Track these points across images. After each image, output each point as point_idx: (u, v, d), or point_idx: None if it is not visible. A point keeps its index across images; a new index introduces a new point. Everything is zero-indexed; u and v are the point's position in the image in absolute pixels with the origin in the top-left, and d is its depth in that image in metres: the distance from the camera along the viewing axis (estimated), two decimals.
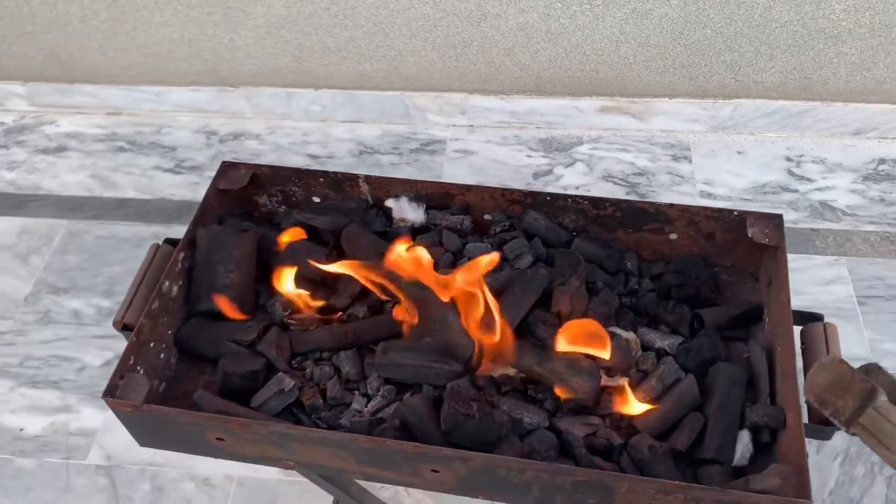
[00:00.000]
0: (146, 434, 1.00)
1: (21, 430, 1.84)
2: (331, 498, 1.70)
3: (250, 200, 1.23)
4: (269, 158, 2.35)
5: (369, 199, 1.19)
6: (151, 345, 1.03)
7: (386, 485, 1.75)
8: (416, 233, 1.17)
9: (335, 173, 1.18)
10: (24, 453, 1.80)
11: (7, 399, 1.88)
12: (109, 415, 1.85)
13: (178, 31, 2.28)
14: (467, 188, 1.15)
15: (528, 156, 2.31)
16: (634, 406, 0.99)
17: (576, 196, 1.12)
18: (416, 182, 1.16)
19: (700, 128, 2.30)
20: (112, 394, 0.95)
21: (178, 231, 2.18)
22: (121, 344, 1.95)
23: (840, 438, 1.71)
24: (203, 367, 1.09)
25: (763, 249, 1.10)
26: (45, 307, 2.06)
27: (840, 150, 2.24)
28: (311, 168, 1.17)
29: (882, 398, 0.76)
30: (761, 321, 1.08)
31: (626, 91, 2.26)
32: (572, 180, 2.23)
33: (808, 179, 2.18)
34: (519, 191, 1.13)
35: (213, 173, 2.31)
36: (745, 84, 2.19)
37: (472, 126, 2.39)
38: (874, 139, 2.24)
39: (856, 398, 0.76)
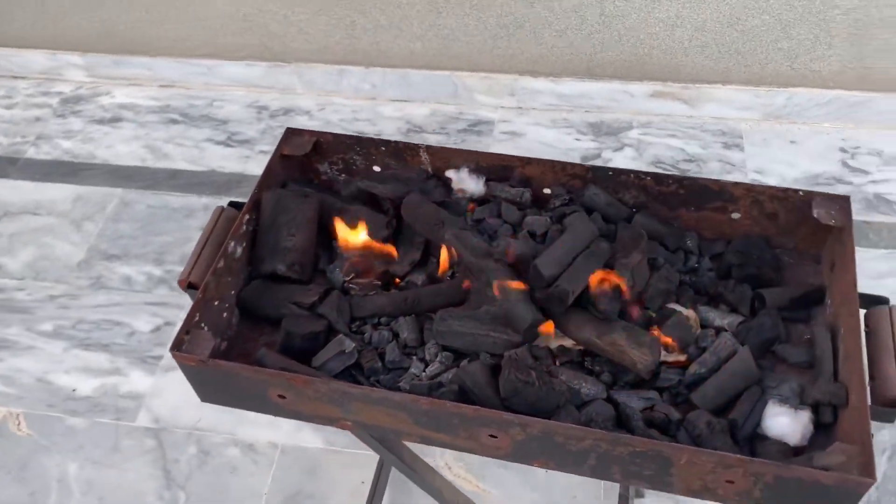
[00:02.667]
0: (208, 389, 1.03)
1: (74, 390, 1.89)
2: (372, 468, 1.73)
3: (311, 168, 1.25)
4: None
5: (429, 169, 1.20)
6: (215, 303, 1.05)
7: (426, 459, 1.77)
8: (475, 204, 1.18)
9: (396, 142, 1.19)
10: (76, 413, 1.85)
11: (61, 360, 1.93)
12: (158, 379, 1.91)
13: (233, 6, 2.31)
14: (528, 161, 1.15)
15: (577, 139, 2.30)
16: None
17: (638, 172, 1.12)
18: (476, 153, 1.17)
19: (753, 116, 2.27)
20: (178, 348, 0.97)
21: None
22: (170, 311, 2.01)
23: (889, 433, 1.69)
24: (263, 328, 1.11)
25: (827, 232, 1.09)
26: (98, 273, 2.11)
27: None
28: (373, 137, 1.17)
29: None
30: (822, 304, 1.07)
31: (679, 77, 2.24)
32: (620, 165, 2.22)
33: (864, 172, 2.15)
34: (580, 165, 1.13)
35: (263, 147, 2.37)
36: (801, 72, 2.16)
37: (520, 108, 2.39)
38: None
39: None
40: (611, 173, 1.13)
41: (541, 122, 2.36)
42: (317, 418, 1.01)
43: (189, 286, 1.07)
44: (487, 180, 1.17)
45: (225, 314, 1.08)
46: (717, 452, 0.86)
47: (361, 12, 2.25)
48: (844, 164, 2.17)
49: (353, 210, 1.16)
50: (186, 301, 2.02)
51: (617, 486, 1.69)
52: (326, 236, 1.16)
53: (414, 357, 1.05)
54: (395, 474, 1.73)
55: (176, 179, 2.32)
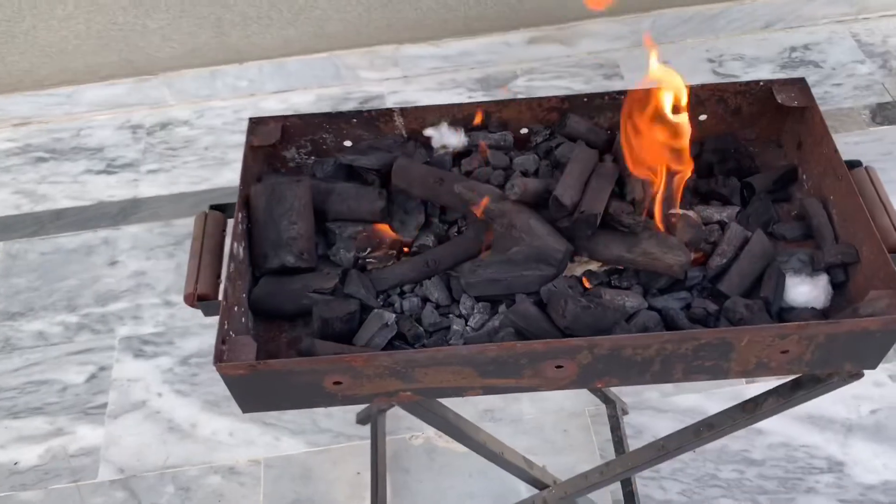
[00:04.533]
0: (253, 397, 0.97)
1: (16, 463, 1.72)
2: (362, 456, 1.70)
3: (277, 156, 1.19)
4: (205, 142, 2.26)
5: (404, 133, 1.18)
6: (235, 309, 0.99)
7: (415, 433, 1.76)
8: (458, 157, 1.18)
9: (368, 112, 1.16)
10: (26, 486, 1.69)
11: None
12: (109, 428, 1.77)
13: (85, 23, 2.14)
14: (504, 104, 1.17)
15: (469, 97, 2.33)
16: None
17: (611, 92, 1.16)
18: (451, 107, 1.16)
19: (625, 44, 2.39)
20: (220, 359, 0.91)
21: (131, 231, 2.09)
22: (100, 356, 1.87)
23: None
24: (280, 325, 1.06)
25: (785, 115, 1.18)
26: (4, 335, 1.92)
27: (755, 45, 2.39)
28: (342, 111, 1.14)
29: None
30: (797, 181, 1.16)
31: (552, 19, 2.31)
32: None
33: (734, 76, 2.32)
34: (555, 97, 1.16)
35: (150, 166, 2.24)
36: None
37: (406, 77, 2.38)
38: (782, 30, 2.41)
39: None
40: (585, 99, 1.16)
41: (429, 86, 2.36)
42: (374, 397, 0.98)
43: (199, 298, 1.00)
44: (467, 131, 1.17)
45: (243, 319, 1.02)
46: (776, 325, 0.92)
47: (226, 7, 2.15)
48: (715, 72, 2.34)
49: (339, 188, 1.13)
50: (116, 343, 1.88)
51: (603, 413, 1.76)
52: (320, 221, 1.12)
53: (451, 315, 1.04)
54: (390, 456, 1.71)
55: (62, 219, 2.14)
